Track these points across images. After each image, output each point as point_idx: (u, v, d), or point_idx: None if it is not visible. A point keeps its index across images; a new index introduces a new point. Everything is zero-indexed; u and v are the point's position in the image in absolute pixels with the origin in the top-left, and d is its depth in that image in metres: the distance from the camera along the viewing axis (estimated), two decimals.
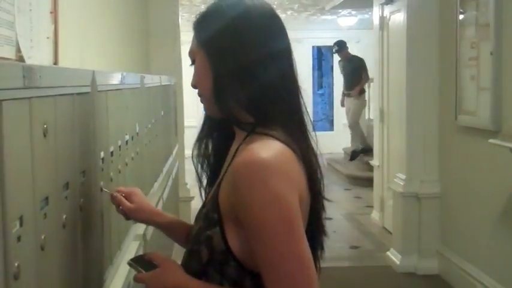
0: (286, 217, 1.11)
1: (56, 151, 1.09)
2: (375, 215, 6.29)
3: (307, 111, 1.33)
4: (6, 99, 0.83)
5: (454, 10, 4.20)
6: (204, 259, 1.20)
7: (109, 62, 2.94)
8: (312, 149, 1.29)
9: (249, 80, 1.23)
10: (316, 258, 1.26)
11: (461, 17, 4.13)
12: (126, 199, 1.47)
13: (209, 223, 1.21)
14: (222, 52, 1.25)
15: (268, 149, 1.14)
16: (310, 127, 1.31)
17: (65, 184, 1.15)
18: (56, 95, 1.09)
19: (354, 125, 9.35)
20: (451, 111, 4.33)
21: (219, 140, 1.39)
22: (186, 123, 5.19)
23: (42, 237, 0.99)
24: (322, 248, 1.32)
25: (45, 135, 1.01)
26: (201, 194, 1.40)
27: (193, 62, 1.31)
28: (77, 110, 1.26)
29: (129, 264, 1.30)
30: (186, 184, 5.07)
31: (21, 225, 0.88)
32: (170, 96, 4.32)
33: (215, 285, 1.19)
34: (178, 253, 1.91)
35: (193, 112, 6.40)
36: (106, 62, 2.85)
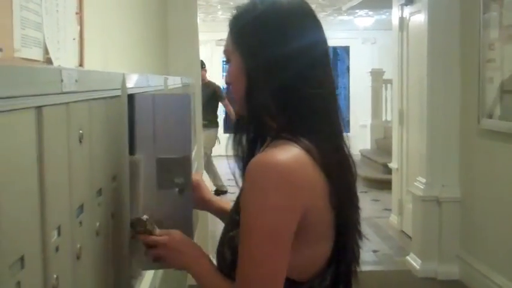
0: (276, 224, 1.11)
1: (90, 157, 1.06)
2: (393, 218, 6.23)
3: (342, 120, 1.30)
4: (45, 105, 0.80)
5: (477, 11, 4.14)
6: (227, 260, 1.21)
7: (131, 63, 2.91)
8: (346, 159, 1.27)
9: (282, 86, 1.21)
10: (350, 270, 1.30)
11: (484, 18, 4.07)
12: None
13: (232, 224, 1.22)
14: (257, 55, 1.23)
15: (282, 154, 1.13)
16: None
17: (98, 190, 1.12)
18: (90, 99, 1.06)
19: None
20: (473, 114, 4.26)
21: (253, 140, 1.37)
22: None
23: (78, 246, 0.96)
24: (356, 260, 1.33)
25: (80, 141, 0.98)
26: None
27: (228, 61, 1.30)
28: (109, 113, 1.23)
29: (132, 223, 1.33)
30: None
31: (59, 235, 0.85)
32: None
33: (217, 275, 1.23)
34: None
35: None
36: (128, 63, 2.82)
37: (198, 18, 5.27)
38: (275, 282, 1.13)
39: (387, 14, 8.84)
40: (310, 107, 1.22)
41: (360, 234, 1.32)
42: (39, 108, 0.78)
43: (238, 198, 1.24)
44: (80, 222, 0.98)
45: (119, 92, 1.33)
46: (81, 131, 0.98)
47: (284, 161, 1.12)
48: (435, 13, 4.65)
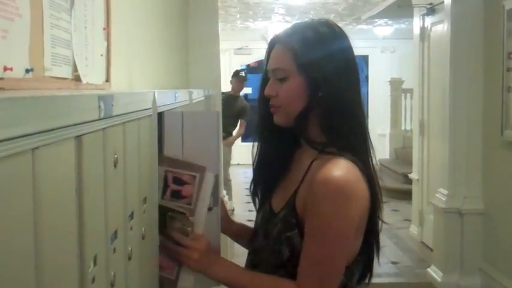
0: (343, 230, 1.30)
1: (124, 180, 1.04)
2: (413, 229, 6.17)
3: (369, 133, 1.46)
4: (85, 134, 0.79)
5: (501, 20, 4.09)
6: (284, 256, 1.37)
7: (154, 76, 2.91)
8: (374, 169, 1.42)
9: (337, 107, 1.37)
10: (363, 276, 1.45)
11: (508, 26, 4.02)
12: None
13: (287, 226, 1.38)
14: (323, 81, 1.35)
15: (342, 169, 1.30)
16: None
17: (130, 214, 1.10)
18: (124, 122, 1.04)
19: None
20: (497, 125, 4.21)
21: (283, 146, 1.50)
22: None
23: (112, 273, 0.94)
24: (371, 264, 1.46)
25: (115, 166, 0.97)
26: (254, 204, 1.60)
27: (282, 79, 1.39)
28: (141, 134, 1.22)
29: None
30: (224, 196, 5.02)
31: (95, 264, 0.84)
32: (211, 108, 4.28)
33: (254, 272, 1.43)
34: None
35: None
36: (151, 76, 2.82)
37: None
38: (337, 278, 1.33)
39: (406, 23, 8.79)
40: (354, 126, 1.40)
41: (378, 241, 1.46)
42: (78, 137, 0.77)
43: (292, 204, 1.38)
44: (114, 249, 0.96)
45: (150, 112, 1.32)
46: (116, 156, 0.97)
47: (347, 177, 1.29)
48: (458, 23, 4.60)
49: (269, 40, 1.46)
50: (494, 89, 4.27)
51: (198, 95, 2.86)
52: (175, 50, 4.12)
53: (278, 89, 1.39)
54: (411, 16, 6.19)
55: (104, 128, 0.90)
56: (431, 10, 5.40)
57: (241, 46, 10.88)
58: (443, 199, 4.70)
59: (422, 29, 5.77)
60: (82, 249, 0.78)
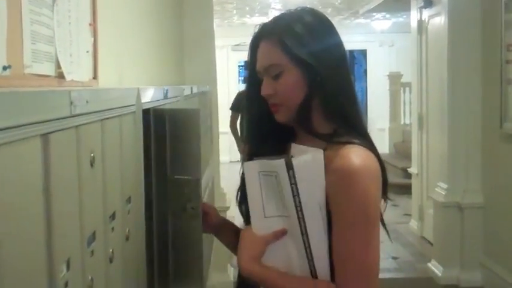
0: (372, 214, 1.27)
1: (103, 180, 1.00)
2: (413, 224, 6.13)
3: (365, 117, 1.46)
4: (53, 132, 0.75)
5: (498, 12, 4.05)
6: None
7: (147, 73, 2.87)
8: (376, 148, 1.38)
9: (339, 94, 1.35)
10: None
11: (505, 18, 3.97)
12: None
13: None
14: (320, 69, 1.32)
15: (361, 157, 1.27)
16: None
17: (111, 214, 1.06)
18: (102, 119, 1.00)
19: None
20: (495, 118, 4.17)
21: (279, 142, 1.43)
22: (220, 130, 5.15)
23: (90, 277, 0.90)
24: None
25: (92, 165, 0.93)
26: (242, 214, 1.46)
27: (277, 76, 1.34)
28: (124, 131, 1.18)
29: None
30: (225, 194, 4.97)
31: (68, 269, 0.80)
32: (206, 104, 4.24)
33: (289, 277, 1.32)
34: None
35: (225, 118, 6.35)
36: (144, 73, 2.78)
37: (214, 23, 5.23)
38: (377, 266, 1.30)
39: (404, 16, 8.73)
40: (353, 101, 1.39)
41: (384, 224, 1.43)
42: (45, 135, 0.73)
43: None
44: (92, 252, 0.92)
45: (133, 109, 1.28)
46: (92, 154, 0.93)
47: (367, 162, 1.27)
48: (455, 15, 4.55)
49: (250, 41, 1.41)
50: (492, 82, 4.23)
51: (190, 91, 2.82)
52: (170, 46, 4.08)
53: (275, 87, 1.35)
54: (409, 9, 6.14)
55: (77, 126, 0.86)
56: (429, 2, 5.35)
57: (239, 42, 10.81)
58: (443, 193, 4.66)
59: (420, 22, 5.72)
60: (50, 253, 0.73)
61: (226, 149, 8.61)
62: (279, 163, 1.27)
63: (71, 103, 0.82)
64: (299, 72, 1.33)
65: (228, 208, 4.88)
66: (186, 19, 4.82)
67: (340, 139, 1.31)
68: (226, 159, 8.44)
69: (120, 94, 1.21)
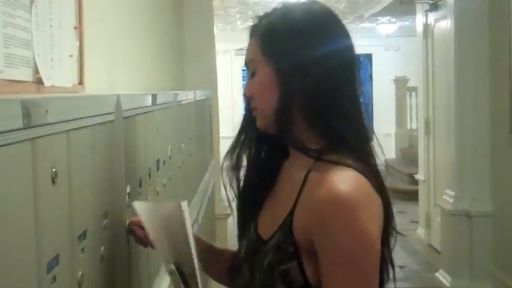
0: (368, 250, 1.06)
1: (70, 197, 0.90)
2: (421, 231, 6.01)
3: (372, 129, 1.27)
4: (1, 145, 0.65)
5: (507, 14, 3.94)
6: None
7: (141, 79, 2.77)
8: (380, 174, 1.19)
9: (322, 101, 1.15)
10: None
11: None
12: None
13: (283, 257, 1.12)
14: (295, 69, 1.15)
15: (349, 182, 1.07)
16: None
17: (82, 233, 0.96)
18: (69, 130, 0.90)
19: None
20: (505, 123, 4.05)
21: (269, 157, 1.29)
22: (221, 134, 5.07)
23: None
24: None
25: (54, 182, 0.83)
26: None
27: (252, 74, 1.20)
28: (98, 143, 1.08)
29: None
30: (224, 201, 4.88)
31: None
32: (205, 110, 4.15)
33: None
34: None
35: (228, 122, 6.27)
36: (138, 79, 2.68)
37: (217, 28, 5.15)
38: None
39: (410, 20, 8.63)
40: (344, 115, 1.17)
41: (391, 259, 1.24)
42: None
43: (287, 228, 1.12)
44: (54, 278, 0.82)
45: (111, 117, 1.18)
46: (54, 169, 0.83)
47: (357, 189, 1.07)
48: (461, 18, 4.45)
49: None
50: (501, 86, 4.12)
51: (186, 96, 2.72)
52: (169, 51, 3.99)
53: (251, 86, 1.21)
54: (414, 13, 6.05)
55: (33, 138, 0.76)
56: (434, 6, 5.26)
57: (242, 47, 10.73)
58: (451, 201, 4.54)
59: (426, 26, 5.63)
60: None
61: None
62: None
63: (23, 113, 0.72)
64: (271, 70, 1.16)
65: (229, 215, 4.78)
66: (187, 24, 4.74)
67: (328, 157, 1.13)
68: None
69: (95, 101, 1.11)
